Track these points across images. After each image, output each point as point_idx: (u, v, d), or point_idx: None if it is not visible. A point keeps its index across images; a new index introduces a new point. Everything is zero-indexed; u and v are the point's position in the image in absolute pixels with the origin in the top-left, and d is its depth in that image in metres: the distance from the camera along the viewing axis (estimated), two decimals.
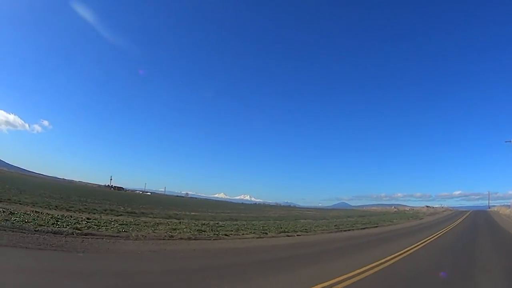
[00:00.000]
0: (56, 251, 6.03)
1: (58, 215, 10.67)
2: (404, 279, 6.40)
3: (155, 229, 10.35)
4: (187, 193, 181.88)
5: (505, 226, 26.71)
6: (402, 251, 9.77)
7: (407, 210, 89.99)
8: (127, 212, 17.40)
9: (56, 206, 14.76)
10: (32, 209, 11.70)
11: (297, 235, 13.57)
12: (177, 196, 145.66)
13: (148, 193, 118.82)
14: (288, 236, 13.11)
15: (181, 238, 9.30)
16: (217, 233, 11.17)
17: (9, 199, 14.27)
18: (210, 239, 9.87)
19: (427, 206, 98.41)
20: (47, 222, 8.77)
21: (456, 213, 62.00)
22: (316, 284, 5.20)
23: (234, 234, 11.57)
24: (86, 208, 16.01)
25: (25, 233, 6.99)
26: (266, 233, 12.81)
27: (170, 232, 10.07)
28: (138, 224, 11.33)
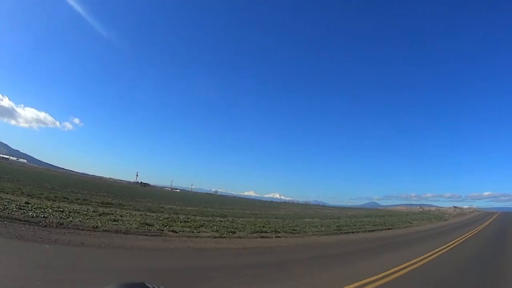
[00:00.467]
0: None
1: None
2: None
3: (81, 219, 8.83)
4: (216, 191, 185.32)
5: None
6: (386, 272, 6.39)
7: (432, 211, 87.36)
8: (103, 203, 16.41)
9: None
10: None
11: (276, 237, 11.22)
12: (206, 193, 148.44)
13: (177, 190, 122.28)
14: (262, 237, 10.84)
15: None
16: (162, 228, 9.36)
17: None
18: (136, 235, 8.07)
19: (454, 207, 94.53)
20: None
21: (483, 215, 58.97)
22: None
23: (191, 232, 9.70)
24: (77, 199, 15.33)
25: None
26: (234, 232, 10.70)
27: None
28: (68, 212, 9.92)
